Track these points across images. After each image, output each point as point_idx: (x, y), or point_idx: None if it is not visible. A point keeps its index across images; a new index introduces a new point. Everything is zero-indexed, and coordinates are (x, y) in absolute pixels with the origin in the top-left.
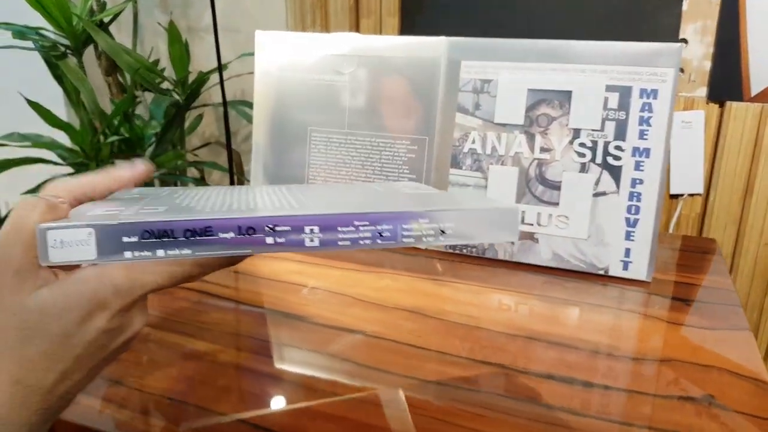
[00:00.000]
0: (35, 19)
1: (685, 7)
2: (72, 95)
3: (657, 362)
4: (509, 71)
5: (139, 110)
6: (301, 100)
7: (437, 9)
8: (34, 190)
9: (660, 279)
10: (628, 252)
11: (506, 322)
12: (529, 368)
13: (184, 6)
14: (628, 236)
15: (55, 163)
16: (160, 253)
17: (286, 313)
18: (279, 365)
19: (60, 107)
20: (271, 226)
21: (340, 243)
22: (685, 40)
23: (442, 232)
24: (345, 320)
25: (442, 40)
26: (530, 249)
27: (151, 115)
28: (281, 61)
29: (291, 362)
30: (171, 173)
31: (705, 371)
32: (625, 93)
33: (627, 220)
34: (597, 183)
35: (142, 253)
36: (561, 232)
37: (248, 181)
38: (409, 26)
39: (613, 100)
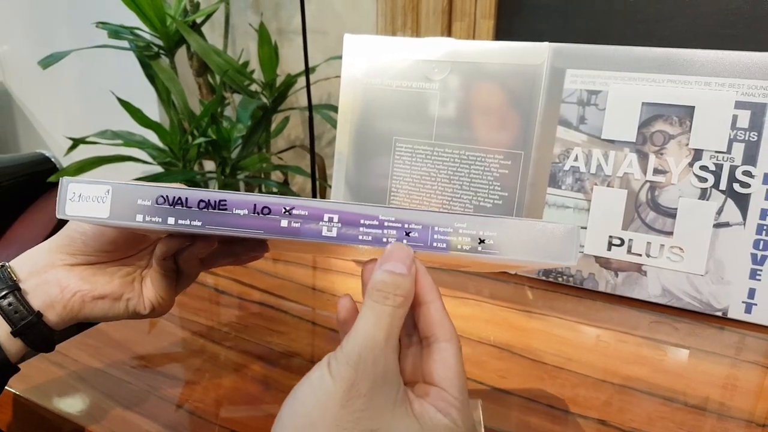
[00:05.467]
0: (130, 18)
1: None
2: (163, 95)
3: None
4: (621, 82)
5: (228, 112)
6: (387, 108)
7: (537, 12)
8: None
9: None
10: (752, 293)
11: (604, 367)
12: (627, 423)
13: (275, 7)
14: (754, 275)
15: (145, 162)
16: (171, 221)
17: None
18: None
19: (154, 106)
20: (288, 208)
21: (360, 238)
22: None
23: (482, 241)
24: None
25: (544, 45)
26: (636, 282)
27: (237, 118)
28: (369, 67)
29: None
30: (255, 176)
31: None
32: (758, 111)
33: (753, 256)
34: (719, 212)
35: (153, 219)
36: (674, 265)
37: (330, 186)
38: (505, 30)
39: (744, 118)
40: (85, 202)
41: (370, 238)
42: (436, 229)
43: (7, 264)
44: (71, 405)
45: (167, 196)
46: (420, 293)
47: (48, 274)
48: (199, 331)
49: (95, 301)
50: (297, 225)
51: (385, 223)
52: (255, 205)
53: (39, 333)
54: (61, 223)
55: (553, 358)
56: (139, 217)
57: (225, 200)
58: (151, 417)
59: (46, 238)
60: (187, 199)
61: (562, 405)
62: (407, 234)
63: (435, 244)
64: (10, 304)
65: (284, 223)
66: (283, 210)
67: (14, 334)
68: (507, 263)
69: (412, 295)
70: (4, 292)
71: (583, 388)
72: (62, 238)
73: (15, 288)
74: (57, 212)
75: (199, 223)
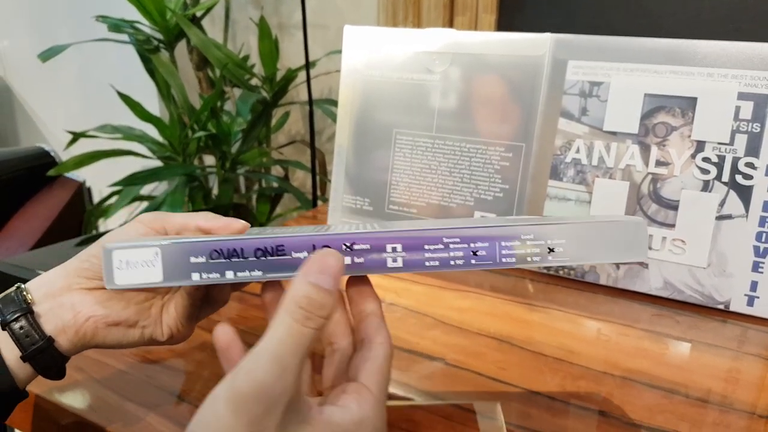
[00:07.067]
0: (130, 12)
1: None
2: (163, 89)
3: None
4: (623, 73)
5: (228, 107)
6: (387, 100)
7: (539, 7)
8: (123, 182)
9: None
10: (754, 285)
11: (605, 359)
12: (628, 414)
13: (276, 2)
14: (756, 267)
15: (145, 156)
16: (230, 274)
17: None
18: None
19: (154, 101)
20: (348, 244)
21: (427, 264)
22: None
23: (551, 250)
24: (423, 344)
25: (546, 36)
26: (638, 275)
27: (237, 111)
28: (369, 58)
29: None
30: (255, 171)
31: None
32: (761, 102)
33: (756, 248)
34: (722, 204)
35: (211, 275)
36: (676, 257)
37: (329, 181)
38: (507, 25)
39: (746, 109)
40: (134, 268)
41: (437, 263)
42: (502, 244)
43: (22, 286)
44: (72, 398)
45: (221, 249)
46: (362, 304)
47: (63, 298)
48: (200, 324)
49: (109, 327)
50: (360, 260)
51: (450, 245)
52: (314, 245)
53: (49, 359)
54: (61, 217)
55: (554, 351)
56: (195, 276)
57: (282, 245)
58: (151, 409)
59: (45, 232)
60: (242, 249)
61: (563, 397)
62: (474, 254)
63: (504, 260)
64: (21, 328)
65: (347, 260)
66: (344, 246)
67: (24, 359)
68: (573, 264)
69: (335, 312)
70: (16, 315)
71: (584, 381)
72: (80, 262)
73: (28, 311)
74: (105, 284)
75: (260, 273)
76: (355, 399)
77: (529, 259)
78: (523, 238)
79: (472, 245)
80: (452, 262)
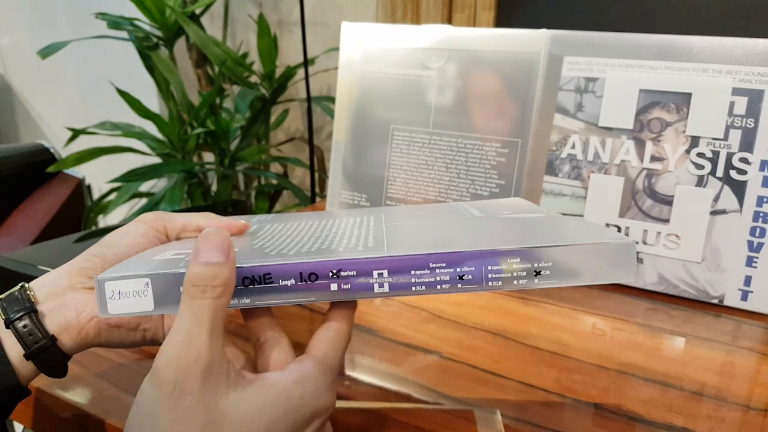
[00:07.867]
0: (129, 9)
1: None
2: (162, 86)
3: None
4: (619, 69)
5: (228, 104)
6: (384, 96)
7: (537, 3)
8: (122, 179)
9: None
10: (748, 280)
11: (600, 353)
12: (622, 408)
13: None
14: (750, 262)
15: (144, 153)
16: None
17: (356, 325)
18: (340, 381)
19: (153, 98)
20: (335, 271)
21: (413, 288)
22: None
23: (537, 273)
24: (419, 337)
25: (542, 33)
26: None
27: (236, 109)
28: (366, 55)
29: (353, 380)
30: (254, 168)
31: None
32: (755, 97)
33: (750, 243)
34: (716, 199)
35: None
36: (670, 252)
37: (328, 178)
38: (505, 21)
39: (741, 105)
40: (127, 298)
41: (423, 287)
42: (488, 268)
43: (26, 284)
44: (72, 391)
45: None
46: (342, 312)
47: (66, 297)
48: None
49: (111, 329)
50: (347, 287)
51: (437, 269)
52: (301, 273)
53: (52, 357)
54: (61, 213)
55: (549, 344)
56: None
57: (270, 273)
58: None
59: (45, 228)
60: None
61: (558, 390)
62: (461, 278)
63: (490, 284)
64: (25, 326)
65: (334, 286)
66: (331, 273)
67: (27, 357)
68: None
69: (233, 282)
70: (20, 314)
71: (578, 375)
72: (82, 261)
73: (31, 310)
74: (100, 312)
75: (248, 301)
76: (296, 362)
77: (515, 282)
78: (509, 262)
79: (458, 269)
80: (438, 287)
